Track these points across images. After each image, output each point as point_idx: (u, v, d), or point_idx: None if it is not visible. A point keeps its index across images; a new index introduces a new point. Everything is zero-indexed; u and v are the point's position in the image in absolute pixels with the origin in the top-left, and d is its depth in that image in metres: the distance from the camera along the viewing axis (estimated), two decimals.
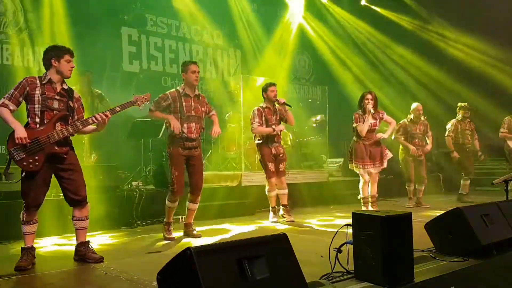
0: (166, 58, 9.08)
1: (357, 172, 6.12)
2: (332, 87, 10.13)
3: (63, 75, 3.66)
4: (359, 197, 6.26)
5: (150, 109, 4.65)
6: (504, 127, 7.66)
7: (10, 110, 3.48)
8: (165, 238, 4.68)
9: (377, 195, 6.20)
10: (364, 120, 5.97)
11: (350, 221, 2.89)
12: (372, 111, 5.94)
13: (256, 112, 5.67)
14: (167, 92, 4.68)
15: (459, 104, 7.90)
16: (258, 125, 5.62)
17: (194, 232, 4.80)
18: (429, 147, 7.25)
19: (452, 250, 3.42)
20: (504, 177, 4.96)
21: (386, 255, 2.65)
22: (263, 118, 5.66)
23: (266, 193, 5.88)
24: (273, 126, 5.64)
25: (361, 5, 11.58)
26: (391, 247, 2.67)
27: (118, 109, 3.79)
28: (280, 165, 5.75)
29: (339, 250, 2.89)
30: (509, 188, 4.77)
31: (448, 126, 7.79)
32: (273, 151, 5.69)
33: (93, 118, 3.68)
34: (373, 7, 11.57)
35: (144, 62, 8.78)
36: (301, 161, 8.80)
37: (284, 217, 5.80)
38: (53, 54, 3.63)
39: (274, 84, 5.77)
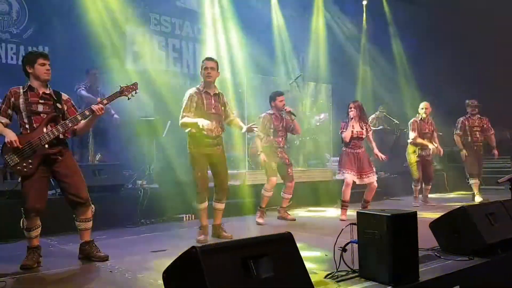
0: (169, 57, 9.07)
1: (341, 177, 5.87)
2: (336, 85, 10.08)
3: (40, 79, 3.63)
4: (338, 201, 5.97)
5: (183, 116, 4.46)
6: None
7: (1, 123, 3.53)
8: (198, 241, 4.43)
9: (370, 200, 5.99)
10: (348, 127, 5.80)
11: (355, 219, 2.89)
12: (352, 117, 5.75)
13: (265, 117, 5.75)
14: (189, 92, 4.55)
15: (466, 101, 7.79)
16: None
17: (224, 233, 4.63)
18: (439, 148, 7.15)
19: (457, 249, 3.42)
20: (509, 176, 4.93)
21: (391, 254, 2.65)
22: (272, 126, 5.73)
23: (263, 191, 5.71)
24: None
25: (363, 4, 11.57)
26: (396, 246, 2.67)
27: (105, 101, 3.75)
28: (289, 170, 5.77)
29: (344, 249, 2.89)
30: None
31: (457, 124, 7.70)
32: (279, 154, 5.72)
33: (85, 113, 3.64)
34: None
35: (148, 61, 8.75)
36: (305, 160, 8.78)
37: (284, 218, 5.82)
38: (26, 61, 3.65)
39: (282, 94, 5.83)
